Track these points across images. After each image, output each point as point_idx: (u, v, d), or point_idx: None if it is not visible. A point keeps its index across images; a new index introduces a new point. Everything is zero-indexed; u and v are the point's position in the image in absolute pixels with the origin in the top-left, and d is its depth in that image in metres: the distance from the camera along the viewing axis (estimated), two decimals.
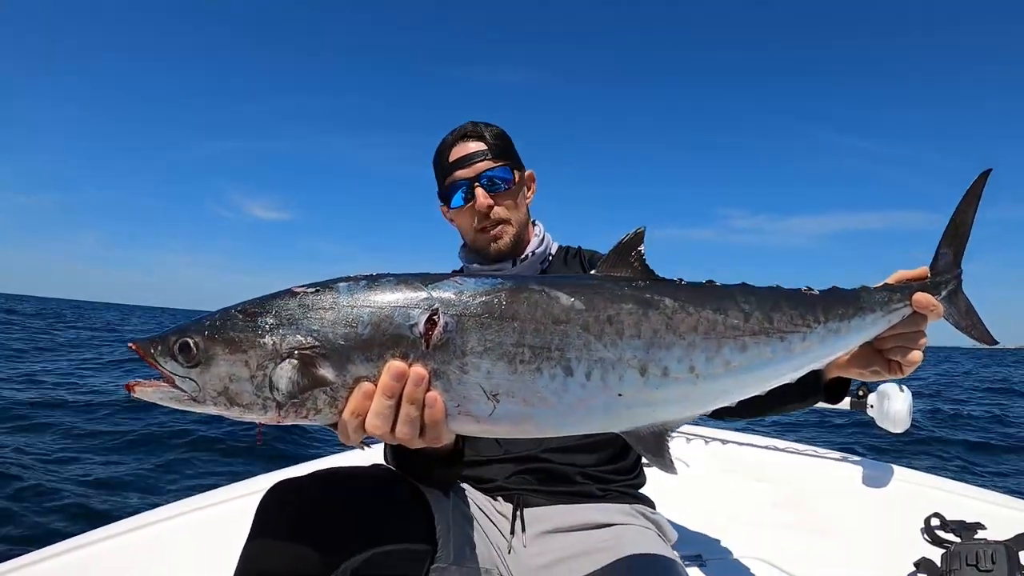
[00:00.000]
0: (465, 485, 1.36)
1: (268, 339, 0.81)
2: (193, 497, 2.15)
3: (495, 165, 1.45)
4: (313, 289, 0.84)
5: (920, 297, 0.98)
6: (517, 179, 1.49)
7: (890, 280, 1.03)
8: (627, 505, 1.39)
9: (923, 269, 1.04)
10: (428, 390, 0.81)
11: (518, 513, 1.34)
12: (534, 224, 1.59)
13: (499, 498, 1.38)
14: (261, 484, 2.30)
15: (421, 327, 0.81)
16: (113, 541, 1.74)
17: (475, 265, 1.52)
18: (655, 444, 0.88)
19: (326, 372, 0.81)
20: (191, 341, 0.82)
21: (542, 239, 1.55)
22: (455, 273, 0.88)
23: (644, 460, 1.44)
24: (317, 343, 0.81)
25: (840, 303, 0.97)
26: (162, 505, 2.06)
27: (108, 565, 1.64)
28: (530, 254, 1.51)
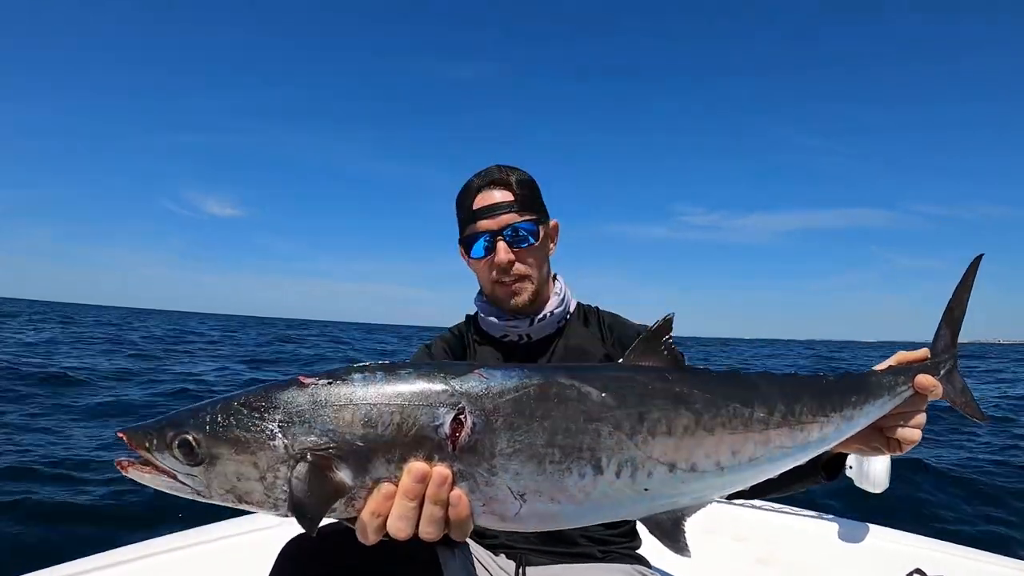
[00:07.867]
0: (467, 539, 1.33)
1: (278, 439, 0.74)
2: (191, 530, 2.09)
3: (521, 219, 1.38)
4: (324, 381, 0.78)
5: (922, 379, 1.02)
6: (542, 233, 1.42)
7: (892, 362, 1.08)
8: (627, 565, 1.39)
9: (923, 351, 1.10)
10: (452, 489, 0.76)
11: (520, 572, 1.32)
12: (555, 279, 1.52)
13: (501, 555, 1.37)
14: (260, 522, 2.22)
15: (447, 428, 0.76)
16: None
17: (492, 319, 1.46)
18: (672, 529, 0.88)
19: (343, 475, 0.75)
20: (191, 438, 0.76)
21: (562, 298, 1.48)
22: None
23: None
24: (333, 444, 0.75)
25: (853, 391, 1.00)
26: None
27: None
28: (548, 314, 1.45)
